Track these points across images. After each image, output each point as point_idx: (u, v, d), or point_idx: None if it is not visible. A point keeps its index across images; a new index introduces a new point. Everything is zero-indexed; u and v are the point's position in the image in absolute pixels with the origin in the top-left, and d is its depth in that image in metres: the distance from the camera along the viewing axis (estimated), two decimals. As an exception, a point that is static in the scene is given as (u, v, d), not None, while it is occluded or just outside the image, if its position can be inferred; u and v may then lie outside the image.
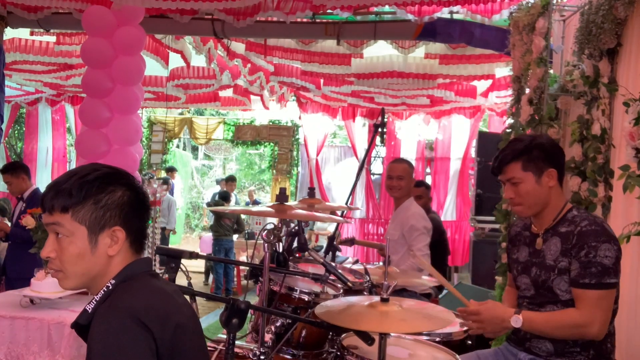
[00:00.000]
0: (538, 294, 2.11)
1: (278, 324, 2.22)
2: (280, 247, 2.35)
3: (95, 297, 1.35)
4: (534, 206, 2.11)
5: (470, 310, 2.06)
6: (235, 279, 8.45)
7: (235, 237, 8.52)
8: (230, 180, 9.95)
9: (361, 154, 9.29)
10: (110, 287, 1.34)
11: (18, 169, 4.74)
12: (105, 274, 1.37)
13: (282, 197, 2.18)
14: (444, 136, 9.06)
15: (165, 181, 8.38)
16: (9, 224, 4.89)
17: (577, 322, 1.92)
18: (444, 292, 4.52)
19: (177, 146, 13.25)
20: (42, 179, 9.41)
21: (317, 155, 9.71)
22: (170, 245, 8.95)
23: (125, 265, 1.38)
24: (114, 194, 1.35)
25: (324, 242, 8.66)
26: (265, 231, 2.08)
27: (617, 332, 2.16)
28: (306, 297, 2.30)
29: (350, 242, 4.54)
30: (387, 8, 4.36)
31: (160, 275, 1.53)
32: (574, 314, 1.95)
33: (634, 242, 2.32)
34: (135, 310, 1.26)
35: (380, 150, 9.68)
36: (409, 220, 3.68)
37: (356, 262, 4.54)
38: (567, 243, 2.02)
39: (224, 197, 8.64)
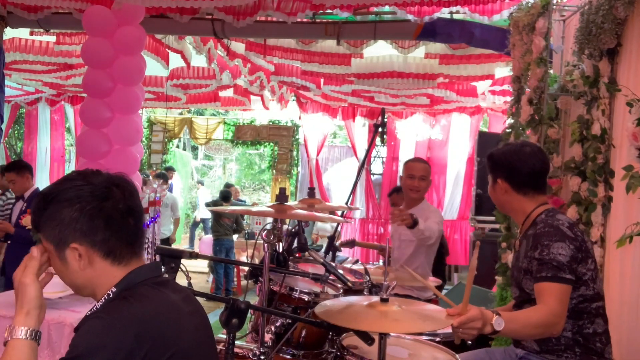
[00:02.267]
0: (519, 294, 2.20)
1: (278, 324, 2.22)
2: (280, 247, 2.35)
3: (97, 304, 1.32)
4: (499, 206, 2.38)
5: (470, 317, 2.06)
6: (235, 279, 8.45)
7: (235, 237, 8.50)
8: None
9: (361, 154, 9.29)
10: (111, 296, 1.31)
11: (23, 168, 4.75)
12: (95, 285, 1.33)
13: (282, 197, 2.18)
14: (443, 136, 9.06)
15: (164, 179, 8.30)
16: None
17: (551, 314, 1.92)
18: (444, 291, 4.52)
19: (177, 146, 13.25)
20: (41, 179, 9.40)
21: (317, 155, 9.71)
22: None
23: (127, 272, 1.32)
24: (62, 211, 1.29)
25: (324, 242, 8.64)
26: (265, 231, 2.08)
27: (618, 332, 2.17)
28: (306, 297, 2.30)
29: (351, 244, 4.53)
30: (387, 8, 4.36)
31: (170, 279, 1.49)
32: (545, 309, 1.94)
33: (634, 242, 2.31)
34: (115, 333, 1.19)
35: (380, 150, 9.68)
36: (431, 214, 3.59)
37: (356, 262, 4.53)
38: (527, 245, 2.12)
39: (224, 197, 8.63)
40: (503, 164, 2.25)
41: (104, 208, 1.30)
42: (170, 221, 8.04)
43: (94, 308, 1.31)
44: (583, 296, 2.04)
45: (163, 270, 1.92)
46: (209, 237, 8.58)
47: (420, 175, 3.67)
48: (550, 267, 1.96)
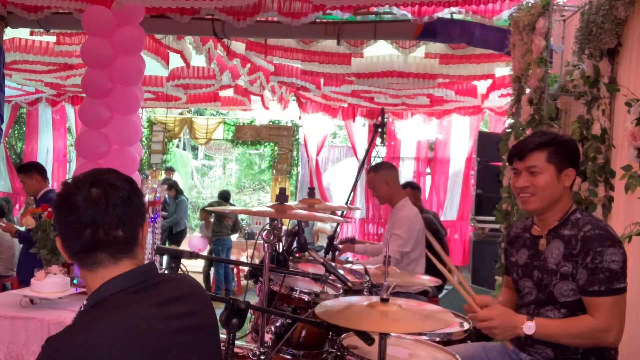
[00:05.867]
0: (539, 297, 2.07)
1: (278, 324, 2.22)
2: (280, 247, 2.35)
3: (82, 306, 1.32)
4: (545, 200, 2.02)
5: (481, 316, 2.00)
6: (235, 279, 8.45)
7: (235, 237, 8.51)
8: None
9: (361, 154, 9.28)
10: (82, 309, 1.28)
11: (31, 169, 4.74)
12: (90, 288, 1.33)
13: (282, 197, 2.17)
14: (444, 136, 9.06)
15: (166, 182, 8.36)
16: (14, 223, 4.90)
17: (594, 329, 1.88)
18: (444, 291, 4.52)
19: (177, 146, 13.24)
20: (42, 179, 9.40)
21: (317, 155, 9.71)
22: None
23: (104, 282, 1.27)
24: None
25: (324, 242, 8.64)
26: (265, 231, 2.08)
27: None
28: (306, 297, 2.30)
29: (351, 242, 4.53)
30: (387, 8, 4.35)
31: (163, 279, 1.37)
32: (589, 322, 1.90)
33: (639, 242, 2.31)
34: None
35: (380, 150, 9.68)
36: (395, 224, 3.69)
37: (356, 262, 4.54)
38: (569, 247, 1.96)
39: (224, 198, 8.63)
40: (578, 155, 2.05)
41: (65, 220, 1.28)
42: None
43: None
44: None
45: (163, 268, 1.92)
46: (197, 236, 8.62)
47: (370, 187, 3.94)
48: (603, 278, 1.86)
